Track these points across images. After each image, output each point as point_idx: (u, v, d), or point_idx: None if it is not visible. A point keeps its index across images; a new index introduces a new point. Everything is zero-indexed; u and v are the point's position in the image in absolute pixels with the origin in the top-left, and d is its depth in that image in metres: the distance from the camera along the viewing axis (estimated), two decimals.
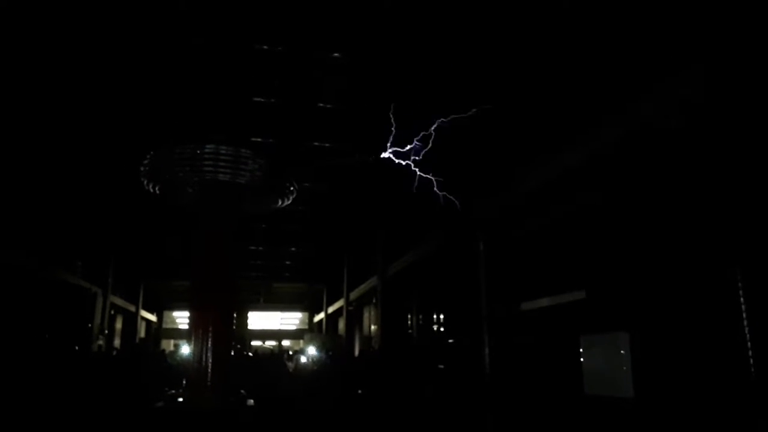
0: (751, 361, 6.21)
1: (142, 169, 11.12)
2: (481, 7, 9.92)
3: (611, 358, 9.32)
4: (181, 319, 50.14)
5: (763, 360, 6.09)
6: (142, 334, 42.89)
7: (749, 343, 6.27)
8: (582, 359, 10.19)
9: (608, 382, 9.38)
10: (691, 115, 7.49)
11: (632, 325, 8.95)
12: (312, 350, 25.54)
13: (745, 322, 6.36)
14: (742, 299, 6.42)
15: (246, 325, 46.96)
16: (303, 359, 22.33)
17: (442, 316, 19.33)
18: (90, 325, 27.16)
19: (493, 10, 9.92)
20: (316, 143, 15.67)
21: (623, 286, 9.37)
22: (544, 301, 12.04)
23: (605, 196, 9.93)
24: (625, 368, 8.92)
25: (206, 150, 10.66)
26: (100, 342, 22.84)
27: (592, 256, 10.51)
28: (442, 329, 19.27)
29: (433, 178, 15.01)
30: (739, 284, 6.47)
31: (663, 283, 8.35)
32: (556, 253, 11.89)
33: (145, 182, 11.27)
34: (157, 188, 11.33)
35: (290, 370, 19.25)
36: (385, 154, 10.71)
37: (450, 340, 17.91)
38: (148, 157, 11.14)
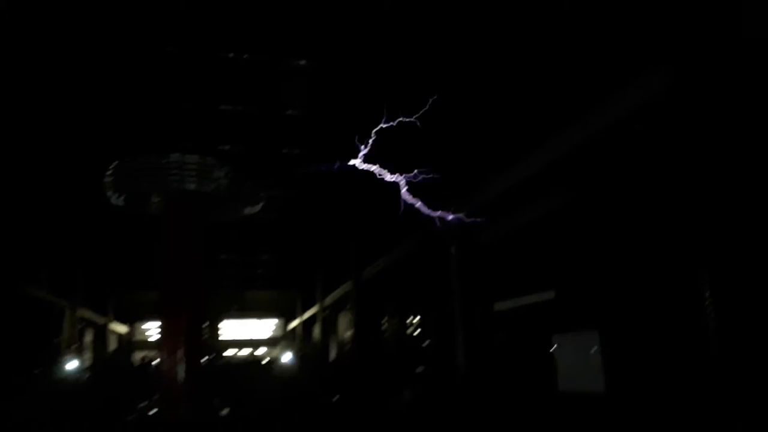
0: (716, 356, 6.35)
1: (106, 179, 10.94)
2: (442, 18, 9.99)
3: (583, 355, 9.44)
4: (152, 330, 49.17)
5: (727, 355, 6.23)
6: (113, 346, 41.98)
7: (714, 339, 6.41)
8: (556, 357, 10.32)
9: (580, 379, 9.51)
10: (656, 118, 7.63)
11: (602, 323, 9.08)
12: (288, 357, 25.49)
13: (710, 320, 6.49)
14: (707, 299, 6.55)
15: (217, 335, 46.34)
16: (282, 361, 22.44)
17: (416, 319, 19.33)
18: (56, 340, 26.42)
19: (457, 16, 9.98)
20: (285, 150, 15.56)
21: (592, 286, 9.50)
22: (517, 302, 12.14)
23: (573, 200, 10.05)
24: (595, 365, 9.05)
25: (171, 159, 10.55)
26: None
27: (562, 258, 10.64)
28: (416, 332, 19.27)
29: (404, 183, 14.99)
30: (706, 284, 6.60)
31: (631, 283, 8.49)
32: (527, 254, 12.01)
33: (110, 192, 11.08)
34: (121, 199, 11.16)
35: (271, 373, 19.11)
36: (355, 161, 10.67)
37: (424, 344, 17.91)
38: (112, 167, 10.96)
